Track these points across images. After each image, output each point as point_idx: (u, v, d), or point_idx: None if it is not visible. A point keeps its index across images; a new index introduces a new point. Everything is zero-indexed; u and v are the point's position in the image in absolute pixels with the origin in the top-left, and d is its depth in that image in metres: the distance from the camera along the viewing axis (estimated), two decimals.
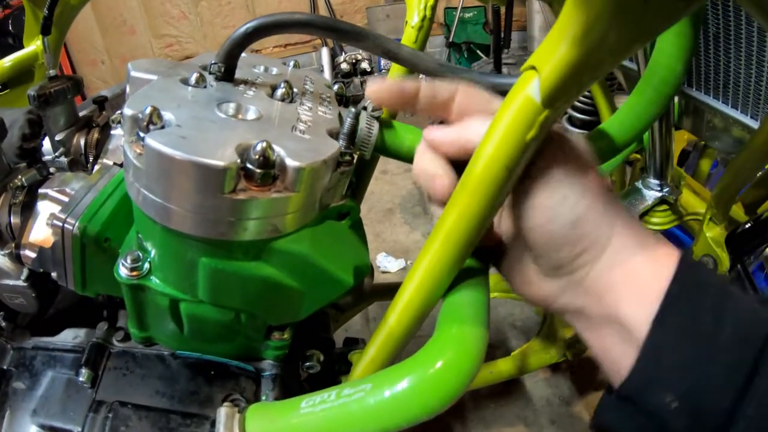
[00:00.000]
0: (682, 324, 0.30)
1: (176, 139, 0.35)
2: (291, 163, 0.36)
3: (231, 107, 0.43)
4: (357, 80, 3.47)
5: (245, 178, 0.35)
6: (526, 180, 0.35)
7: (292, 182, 0.36)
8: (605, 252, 0.34)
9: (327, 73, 3.44)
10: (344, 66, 3.40)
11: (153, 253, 0.47)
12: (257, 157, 0.34)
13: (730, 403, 0.29)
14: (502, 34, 2.58)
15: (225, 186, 0.34)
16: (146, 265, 0.49)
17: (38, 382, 0.63)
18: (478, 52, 3.50)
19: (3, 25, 3.30)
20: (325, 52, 3.58)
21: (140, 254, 0.49)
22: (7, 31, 3.31)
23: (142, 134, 0.37)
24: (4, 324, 0.73)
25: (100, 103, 0.93)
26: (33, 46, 1.11)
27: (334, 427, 0.37)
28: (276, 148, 0.36)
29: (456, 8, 3.52)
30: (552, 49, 0.28)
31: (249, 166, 0.35)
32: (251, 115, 0.43)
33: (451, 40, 3.40)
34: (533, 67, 0.30)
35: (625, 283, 0.34)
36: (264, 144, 0.34)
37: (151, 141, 0.35)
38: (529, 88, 0.30)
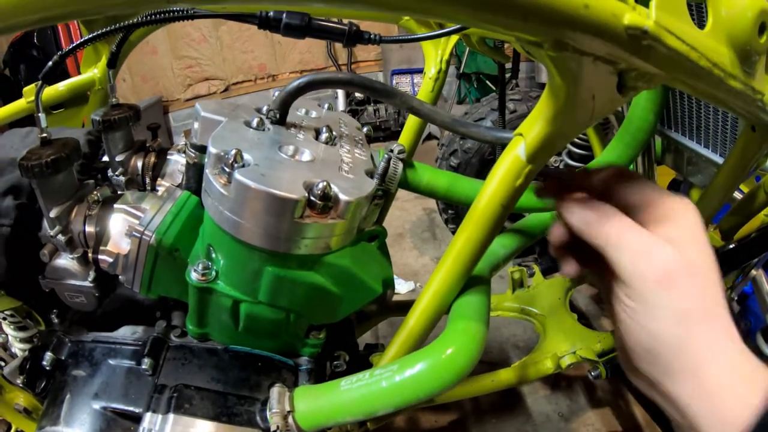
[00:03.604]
0: None
1: (259, 176, 0.47)
2: (343, 197, 0.48)
3: (290, 149, 0.56)
4: (370, 108, 3.61)
5: (309, 207, 0.47)
6: (626, 300, 0.36)
7: (342, 212, 0.49)
8: (694, 380, 0.34)
9: (341, 100, 3.59)
10: (358, 94, 3.55)
11: (222, 262, 0.59)
12: (320, 192, 0.46)
13: None
14: (510, 64, 2.70)
15: (296, 213, 0.46)
16: (213, 272, 0.60)
17: (98, 370, 0.71)
18: (488, 83, 3.57)
19: (28, 37, 3.37)
20: None
21: (209, 263, 0.60)
22: (32, 43, 3.37)
23: (227, 170, 0.50)
24: (56, 320, 0.82)
25: (154, 130, 1.06)
26: (90, 73, 1.22)
27: (369, 400, 0.48)
28: (332, 185, 0.48)
29: None
30: (533, 123, 0.40)
31: (313, 198, 0.47)
32: (306, 157, 0.56)
33: (462, 71, 3.43)
34: (521, 134, 0.42)
35: (708, 415, 0.34)
36: (325, 183, 0.46)
37: (241, 177, 0.47)
38: (518, 149, 0.42)
